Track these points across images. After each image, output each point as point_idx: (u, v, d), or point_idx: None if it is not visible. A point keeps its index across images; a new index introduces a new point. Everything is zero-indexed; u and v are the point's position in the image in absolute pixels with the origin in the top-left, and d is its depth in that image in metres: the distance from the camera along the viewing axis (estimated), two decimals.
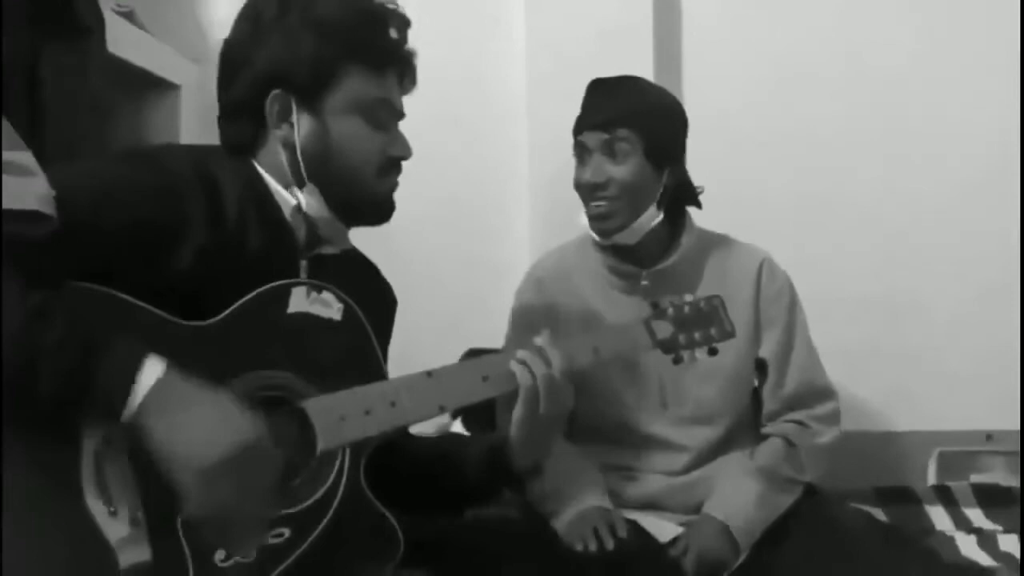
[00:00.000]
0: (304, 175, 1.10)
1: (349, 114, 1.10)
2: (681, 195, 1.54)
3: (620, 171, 1.47)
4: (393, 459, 1.14)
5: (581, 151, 1.51)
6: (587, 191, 1.50)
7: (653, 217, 1.50)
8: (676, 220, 1.55)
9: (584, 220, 1.53)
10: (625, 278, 1.54)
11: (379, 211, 1.15)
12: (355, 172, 1.11)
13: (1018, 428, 1.94)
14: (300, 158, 1.09)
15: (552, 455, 1.22)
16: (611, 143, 1.46)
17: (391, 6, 1.15)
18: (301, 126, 1.09)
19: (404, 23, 1.15)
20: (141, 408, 0.85)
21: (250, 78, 1.09)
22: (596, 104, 1.51)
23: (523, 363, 1.10)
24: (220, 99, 1.13)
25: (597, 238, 1.54)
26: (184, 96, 1.92)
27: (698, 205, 1.57)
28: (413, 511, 1.25)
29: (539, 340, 1.13)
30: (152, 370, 0.86)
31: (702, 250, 1.57)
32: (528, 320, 1.57)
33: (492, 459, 1.16)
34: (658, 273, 1.52)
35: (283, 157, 1.11)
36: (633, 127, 1.46)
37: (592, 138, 1.48)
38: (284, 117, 1.09)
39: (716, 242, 1.60)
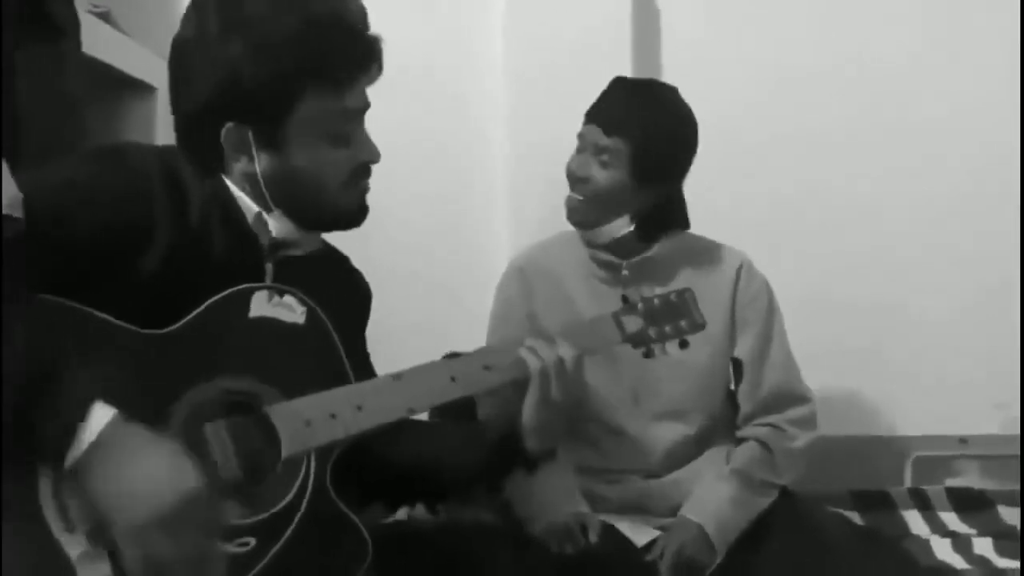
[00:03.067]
0: (269, 203, 1.06)
1: (311, 140, 1.02)
2: (666, 215, 1.53)
3: (601, 175, 1.47)
4: (388, 452, 1.13)
5: (582, 140, 1.52)
6: (571, 179, 1.51)
7: (623, 227, 1.51)
8: (652, 233, 1.52)
9: None
10: (607, 268, 1.54)
11: (350, 219, 1.10)
12: (321, 193, 1.05)
13: (990, 433, 1.95)
14: (264, 189, 1.04)
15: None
16: (602, 147, 1.46)
17: (340, 2, 1.03)
18: (260, 160, 1.03)
19: (362, 14, 1.04)
20: (84, 456, 0.83)
21: (195, 102, 1.01)
22: (607, 102, 1.51)
23: (531, 349, 1.09)
24: (172, 108, 1.04)
25: None
26: (160, 98, 1.90)
27: (686, 226, 1.56)
28: (404, 504, 1.26)
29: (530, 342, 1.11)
30: (99, 418, 0.84)
31: (682, 245, 1.56)
32: (509, 310, 1.58)
33: (503, 446, 1.14)
34: (638, 264, 1.52)
35: (246, 185, 1.05)
36: (627, 138, 1.45)
37: (591, 133, 1.49)
38: (243, 151, 1.02)
39: (696, 240, 1.60)
